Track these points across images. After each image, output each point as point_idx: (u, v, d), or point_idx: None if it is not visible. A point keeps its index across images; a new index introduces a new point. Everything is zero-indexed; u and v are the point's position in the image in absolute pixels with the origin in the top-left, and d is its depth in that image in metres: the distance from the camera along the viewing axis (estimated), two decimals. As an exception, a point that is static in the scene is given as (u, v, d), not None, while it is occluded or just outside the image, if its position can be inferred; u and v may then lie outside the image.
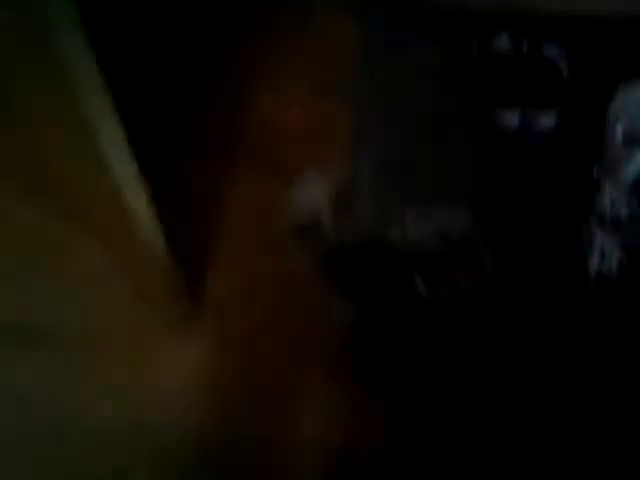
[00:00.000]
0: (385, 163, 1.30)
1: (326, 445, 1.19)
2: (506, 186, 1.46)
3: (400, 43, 1.65)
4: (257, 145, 1.55)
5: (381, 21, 1.65)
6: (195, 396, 1.26)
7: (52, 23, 0.76)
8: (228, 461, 1.19)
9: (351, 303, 1.20)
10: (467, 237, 1.14)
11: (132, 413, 1.24)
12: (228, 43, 1.63)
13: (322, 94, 1.58)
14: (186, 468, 1.19)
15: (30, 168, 1.13)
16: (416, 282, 1.15)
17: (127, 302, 1.32)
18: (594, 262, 1.35)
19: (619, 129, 1.47)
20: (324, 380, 1.27)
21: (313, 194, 1.15)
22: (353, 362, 1.29)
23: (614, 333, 1.33)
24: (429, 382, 1.28)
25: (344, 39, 1.63)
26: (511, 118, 1.56)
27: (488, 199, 1.42)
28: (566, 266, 1.37)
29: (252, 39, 1.64)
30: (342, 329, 1.29)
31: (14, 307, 1.36)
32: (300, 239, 1.17)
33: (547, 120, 1.56)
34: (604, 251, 1.36)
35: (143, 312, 1.31)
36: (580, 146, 1.52)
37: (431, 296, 1.17)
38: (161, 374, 1.29)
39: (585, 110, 1.59)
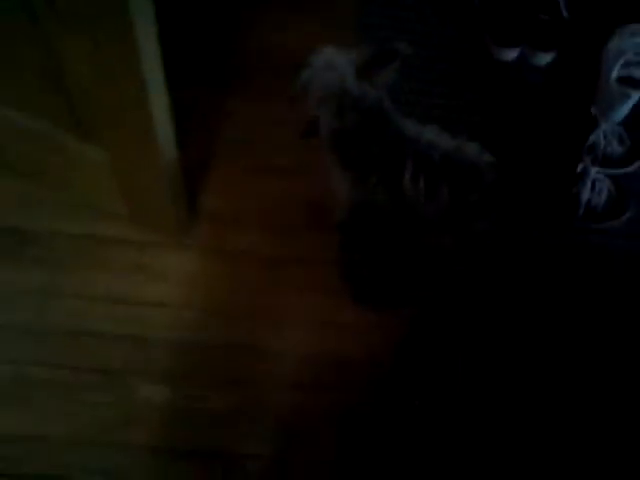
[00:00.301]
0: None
1: (301, 350, 1.25)
2: (506, 118, 1.49)
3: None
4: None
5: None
6: (185, 304, 1.27)
7: None
8: (213, 363, 1.21)
9: (352, 178, 1.21)
10: (472, 157, 1.16)
11: (128, 321, 1.24)
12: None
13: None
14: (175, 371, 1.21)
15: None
16: (413, 181, 1.16)
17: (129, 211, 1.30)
18: (585, 194, 1.41)
19: (615, 70, 1.52)
20: (308, 291, 1.31)
21: (336, 60, 1.14)
22: (343, 264, 1.32)
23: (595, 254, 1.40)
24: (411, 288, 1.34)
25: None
26: (510, 54, 1.59)
27: (489, 129, 1.45)
28: (559, 195, 1.42)
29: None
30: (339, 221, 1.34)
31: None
32: (322, 107, 1.16)
33: (544, 57, 1.59)
34: (595, 184, 1.42)
35: (145, 220, 1.30)
36: (577, 84, 1.57)
37: (425, 198, 1.19)
38: (157, 282, 1.29)
39: (582, 50, 1.63)
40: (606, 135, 1.46)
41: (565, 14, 1.60)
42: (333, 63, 1.13)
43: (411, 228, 1.35)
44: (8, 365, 1.20)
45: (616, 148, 1.47)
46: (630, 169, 1.50)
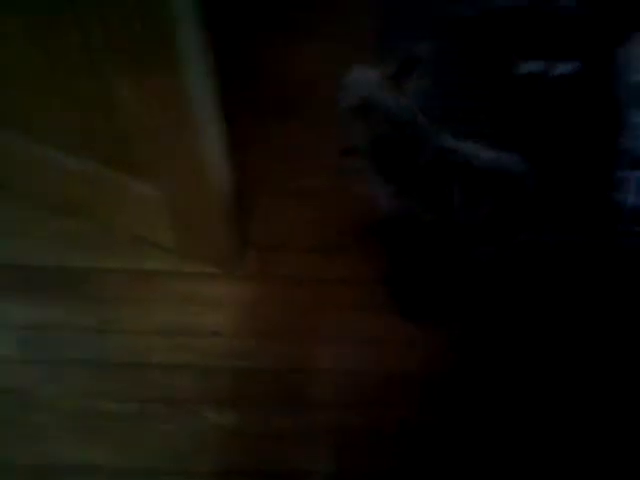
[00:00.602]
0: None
1: (350, 367, 1.29)
2: (540, 127, 1.53)
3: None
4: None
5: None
6: (239, 331, 1.31)
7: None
8: (270, 386, 1.26)
9: (393, 190, 1.26)
10: (512, 167, 1.20)
11: (187, 351, 1.28)
12: None
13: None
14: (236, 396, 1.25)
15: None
16: (455, 192, 1.20)
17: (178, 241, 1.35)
18: (628, 197, 1.44)
19: (634, 74, 1.57)
20: (355, 309, 1.35)
21: (367, 77, 1.19)
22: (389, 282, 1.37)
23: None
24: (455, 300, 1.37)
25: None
26: (532, 67, 1.63)
27: (525, 140, 1.49)
28: (601, 200, 1.44)
29: None
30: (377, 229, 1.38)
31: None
32: (355, 118, 1.15)
33: (566, 67, 1.63)
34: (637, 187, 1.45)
35: (196, 253, 1.34)
36: (602, 88, 1.61)
37: (467, 210, 1.23)
38: (210, 312, 1.33)
39: (604, 56, 1.67)
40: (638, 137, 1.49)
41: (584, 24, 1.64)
42: (363, 79, 1.17)
43: (454, 240, 1.38)
44: (79, 399, 1.23)
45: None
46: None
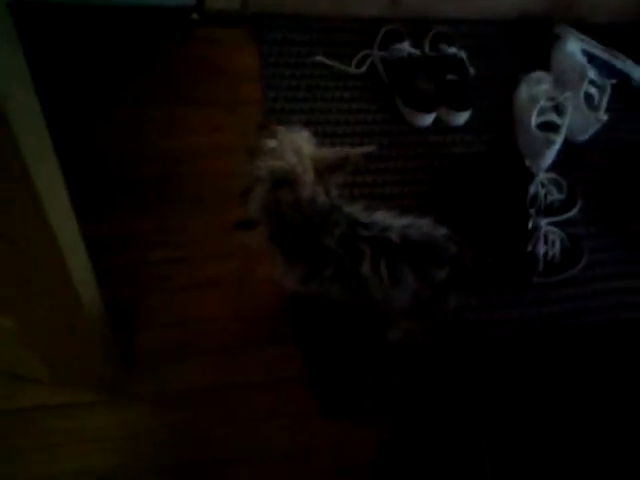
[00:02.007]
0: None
1: None
2: (445, 186, 1.42)
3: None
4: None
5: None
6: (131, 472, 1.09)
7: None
8: None
9: (301, 272, 1.07)
10: (428, 232, 1.08)
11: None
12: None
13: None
14: None
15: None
16: (372, 266, 1.07)
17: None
18: (540, 248, 1.35)
19: (533, 118, 1.50)
20: (273, 417, 1.17)
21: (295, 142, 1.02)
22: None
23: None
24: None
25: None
26: (426, 119, 1.54)
27: (434, 201, 1.37)
28: (515, 255, 1.34)
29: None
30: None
31: None
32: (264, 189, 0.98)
33: (461, 117, 1.55)
34: (547, 237, 1.36)
35: (71, 380, 1.10)
36: (500, 140, 1.53)
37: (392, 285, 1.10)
38: (95, 449, 1.09)
39: (494, 104, 1.61)
40: (544, 184, 1.41)
41: (471, 71, 1.57)
42: (290, 144, 1.00)
43: (374, 320, 1.23)
44: None
45: (556, 195, 1.43)
46: (572, 214, 1.46)
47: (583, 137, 1.57)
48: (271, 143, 1.00)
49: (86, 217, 0.89)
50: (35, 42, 1.45)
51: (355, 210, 1.08)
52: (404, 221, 1.08)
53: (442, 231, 1.10)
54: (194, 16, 1.59)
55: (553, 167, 1.50)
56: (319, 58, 1.58)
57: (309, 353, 1.24)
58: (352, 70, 1.58)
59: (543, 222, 1.37)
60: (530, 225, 1.33)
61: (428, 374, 1.24)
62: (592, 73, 1.56)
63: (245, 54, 1.58)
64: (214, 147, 1.42)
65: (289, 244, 1.07)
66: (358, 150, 1.01)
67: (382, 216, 1.08)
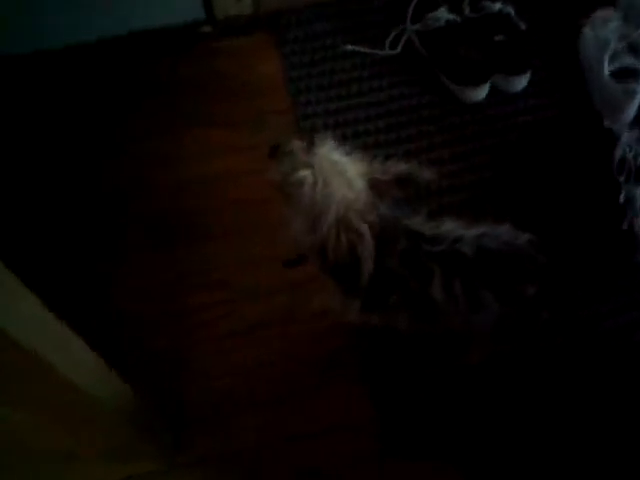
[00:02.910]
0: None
1: None
2: (517, 175, 1.22)
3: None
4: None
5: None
6: None
7: None
8: None
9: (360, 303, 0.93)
10: (510, 241, 0.90)
11: None
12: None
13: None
14: None
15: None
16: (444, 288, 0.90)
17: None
18: (639, 222, 1.12)
19: (605, 65, 1.27)
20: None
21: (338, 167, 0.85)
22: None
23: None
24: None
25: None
26: (480, 93, 1.34)
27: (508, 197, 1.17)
28: (611, 237, 1.13)
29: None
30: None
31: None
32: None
33: (520, 81, 1.34)
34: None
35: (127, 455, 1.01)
36: (570, 102, 1.31)
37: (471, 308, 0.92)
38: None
39: (556, 59, 1.38)
40: (631, 145, 1.18)
41: (522, 27, 1.35)
42: (335, 167, 0.85)
43: (449, 352, 1.06)
44: None
45: (646, 155, 1.20)
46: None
47: (671, 77, 1.31)
48: (306, 175, 0.84)
49: (118, 261, 0.78)
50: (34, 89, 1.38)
51: (416, 222, 0.91)
52: (478, 230, 0.89)
53: (525, 237, 0.91)
54: (206, 29, 1.46)
55: (637, 122, 1.26)
56: (347, 47, 1.42)
57: (377, 392, 1.08)
58: (386, 52, 1.41)
59: (637, 191, 1.15)
60: (622, 198, 1.11)
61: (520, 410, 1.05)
62: (670, -2, 1.31)
63: (266, 61, 1.44)
64: (245, 171, 1.28)
65: (345, 271, 0.91)
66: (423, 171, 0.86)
67: (450, 226, 0.90)
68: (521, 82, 1.34)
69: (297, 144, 0.89)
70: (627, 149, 1.18)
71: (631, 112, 1.26)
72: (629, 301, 1.13)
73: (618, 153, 1.17)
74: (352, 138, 1.32)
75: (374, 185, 0.87)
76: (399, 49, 1.40)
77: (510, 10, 1.35)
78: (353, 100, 1.37)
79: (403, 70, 1.39)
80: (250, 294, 1.17)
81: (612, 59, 1.28)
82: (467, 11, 1.39)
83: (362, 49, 1.42)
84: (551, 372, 1.08)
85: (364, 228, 0.84)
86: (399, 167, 0.87)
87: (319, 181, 0.83)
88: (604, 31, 1.31)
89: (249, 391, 1.10)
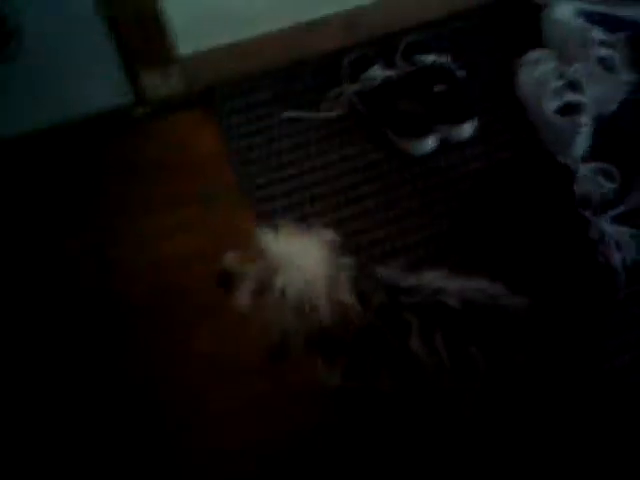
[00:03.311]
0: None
1: None
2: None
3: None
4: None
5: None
6: None
7: None
8: None
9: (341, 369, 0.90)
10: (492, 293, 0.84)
11: None
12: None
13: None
14: None
15: None
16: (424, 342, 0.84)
17: None
18: (615, 256, 1.09)
19: (549, 103, 1.27)
20: None
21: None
22: None
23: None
24: None
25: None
26: (428, 144, 1.31)
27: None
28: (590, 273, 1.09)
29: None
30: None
31: None
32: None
33: (466, 129, 1.32)
34: (617, 241, 1.10)
35: None
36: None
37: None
38: None
39: (498, 102, 1.38)
40: (590, 178, 1.16)
41: (460, 74, 1.34)
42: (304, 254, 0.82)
43: (435, 412, 0.98)
44: None
45: (609, 185, 1.18)
46: (631, 204, 1.20)
47: (613, 107, 1.32)
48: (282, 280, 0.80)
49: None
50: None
51: (391, 273, 0.88)
52: (459, 281, 0.85)
53: (502, 291, 0.85)
54: (138, 111, 1.40)
55: (593, 153, 1.25)
56: (287, 114, 1.38)
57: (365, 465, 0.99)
58: (328, 115, 1.37)
59: (607, 223, 1.12)
60: (592, 233, 1.08)
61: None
62: (597, 33, 1.32)
63: (206, 137, 1.38)
64: (195, 254, 1.21)
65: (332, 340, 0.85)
66: None
67: (429, 277, 0.86)
68: (467, 130, 1.32)
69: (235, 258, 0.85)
70: (587, 182, 1.15)
71: (580, 145, 1.25)
72: (621, 343, 1.08)
73: (579, 188, 1.14)
74: (309, 203, 1.27)
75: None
76: (340, 111, 1.37)
77: (445, 60, 1.34)
78: (301, 165, 1.32)
79: (348, 130, 1.36)
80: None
81: (554, 97, 1.27)
82: (402, 65, 1.37)
83: (303, 114, 1.38)
84: (549, 422, 1.01)
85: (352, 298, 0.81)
86: None
87: (296, 278, 0.80)
88: (540, 71, 1.32)
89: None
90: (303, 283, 0.80)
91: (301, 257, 0.81)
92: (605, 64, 1.30)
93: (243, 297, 0.82)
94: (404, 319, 0.83)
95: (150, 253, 1.23)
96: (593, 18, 1.38)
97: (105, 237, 1.26)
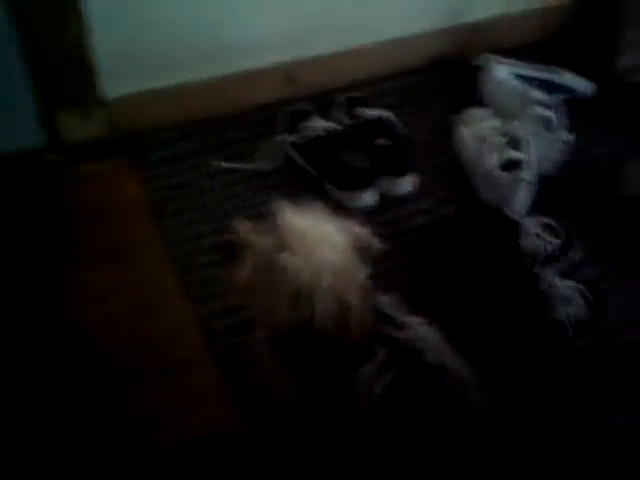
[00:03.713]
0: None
1: None
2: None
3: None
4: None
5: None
6: None
7: None
8: None
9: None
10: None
11: None
12: None
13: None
14: None
15: None
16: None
17: None
18: (563, 311, 1.03)
19: (492, 159, 1.24)
20: None
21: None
22: None
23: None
24: None
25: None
26: (368, 197, 1.24)
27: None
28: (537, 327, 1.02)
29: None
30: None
31: None
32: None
33: (406, 182, 1.26)
34: (568, 295, 1.05)
35: None
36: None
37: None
38: None
39: (439, 159, 1.34)
40: (538, 234, 1.11)
41: (401, 129, 1.30)
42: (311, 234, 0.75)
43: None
44: None
45: (554, 241, 1.13)
46: (576, 256, 1.16)
47: (552, 166, 1.30)
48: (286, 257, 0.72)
49: None
50: None
51: (387, 302, 0.80)
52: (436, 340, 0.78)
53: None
54: (51, 157, 1.27)
55: (534, 210, 1.21)
56: (221, 164, 1.29)
57: None
58: (263, 167, 1.29)
59: (555, 277, 1.06)
60: (542, 286, 1.02)
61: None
62: (536, 92, 1.32)
63: (127, 187, 1.27)
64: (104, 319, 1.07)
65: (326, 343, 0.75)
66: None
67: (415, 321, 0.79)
68: (408, 184, 1.26)
69: (246, 227, 0.79)
70: (535, 237, 1.11)
71: (522, 200, 1.21)
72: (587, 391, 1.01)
73: (526, 242, 1.09)
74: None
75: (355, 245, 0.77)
76: (278, 163, 1.29)
77: (388, 115, 1.30)
78: (234, 219, 1.22)
79: (284, 182, 1.27)
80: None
81: (495, 153, 1.25)
82: (343, 118, 1.32)
83: (237, 165, 1.29)
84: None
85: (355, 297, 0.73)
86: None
87: (301, 257, 0.72)
88: (480, 128, 1.29)
89: None
90: (308, 268, 0.71)
91: (316, 240, 0.73)
92: (544, 123, 1.29)
93: (244, 271, 0.75)
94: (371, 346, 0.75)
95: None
96: (530, 82, 1.39)
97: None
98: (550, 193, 1.26)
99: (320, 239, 0.74)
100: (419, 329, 0.78)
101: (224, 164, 1.29)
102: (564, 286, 1.06)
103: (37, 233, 1.18)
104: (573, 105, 1.38)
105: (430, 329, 0.79)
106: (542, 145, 1.27)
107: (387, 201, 1.25)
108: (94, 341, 1.05)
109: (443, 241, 1.12)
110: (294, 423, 0.89)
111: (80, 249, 1.17)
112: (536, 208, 1.22)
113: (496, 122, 1.30)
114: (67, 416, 0.97)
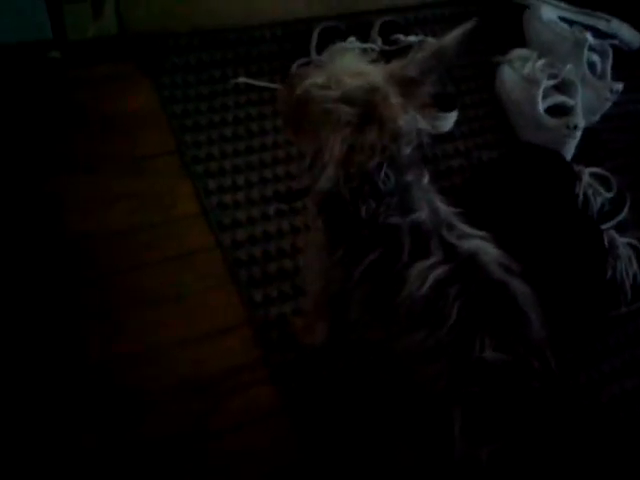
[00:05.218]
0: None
1: None
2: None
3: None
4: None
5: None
6: None
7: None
8: None
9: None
10: None
11: None
12: None
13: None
14: None
15: None
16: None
17: None
18: (622, 270, 0.96)
19: (539, 103, 1.15)
20: None
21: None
22: None
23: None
24: None
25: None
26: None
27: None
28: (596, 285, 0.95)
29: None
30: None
31: None
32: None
33: (449, 119, 1.16)
34: (627, 255, 0.98)
35: None
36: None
37: None
38: None
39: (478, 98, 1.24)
40: (591, 184, 1.04)
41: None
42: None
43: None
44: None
45: (605, 195, 1.06)
46: (623, 215, 1.09)
47: (595, 117, 1.22)
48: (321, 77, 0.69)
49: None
50: None
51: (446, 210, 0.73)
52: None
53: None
54: (54, 54, 1.11)
55: (577, 161, 1.14)
56: (241, 80, 1.16)
57: None
58: (288, 87, 1.16)
59: (615, 234, 0.99)
60: (606, 242, 0.94)
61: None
62: (588, 37, 1.23)
63: (138, 94, 1.13)
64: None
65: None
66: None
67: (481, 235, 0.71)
68: (449, 120, 1.16)
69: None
70: (588, 187, 1.03)
71: (571, 150, 1.13)
72: (621, 366, 0.95)
73: (580, 192, 1.01)
74: (258, 185, 1.05)
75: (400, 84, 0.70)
76: (304, 84, 1.17)
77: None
78: (253, 140, 1.10)
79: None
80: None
81: (543, 97, 1.16)
82: (379, 42, 1.20)
83: (259, 83, 1.16)
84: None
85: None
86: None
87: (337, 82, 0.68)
88: (529, 69, 1.20)
89: None
90: (333, 93, 0.67)
91: (354, 76, 0.68)
92: (594, 70, 1.21)
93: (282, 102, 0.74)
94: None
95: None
96: (573, 25, 1.30)
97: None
98: (591, 146, 1.18)
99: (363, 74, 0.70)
100: (482, 243, 0.70)
101: (247, 80, 1.16)
102: (624, 244, 0.99)
103: (34, 132, 1.04)
104: (617, 55, 1.30)
105: (494, 244, 0.71)
106: (589, 94, 1.19)
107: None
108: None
109: (492, 185, 1.03)
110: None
111: (79, 155, 1.04)
112: (578, 160, 1.14)
113: (543, 64, 1.21)
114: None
